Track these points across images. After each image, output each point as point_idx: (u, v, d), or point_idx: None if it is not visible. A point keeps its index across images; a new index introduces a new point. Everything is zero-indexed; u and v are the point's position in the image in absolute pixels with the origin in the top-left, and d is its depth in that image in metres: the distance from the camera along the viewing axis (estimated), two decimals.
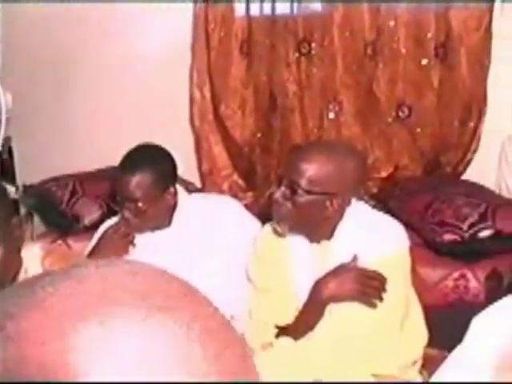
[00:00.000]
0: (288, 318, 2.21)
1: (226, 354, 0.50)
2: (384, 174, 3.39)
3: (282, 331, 2.22)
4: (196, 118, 3.55)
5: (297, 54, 3.39)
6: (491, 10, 3.22)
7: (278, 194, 2.14)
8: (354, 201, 2.20)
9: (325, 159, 2.10)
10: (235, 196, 3.31)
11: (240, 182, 3.58)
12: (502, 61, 3.26)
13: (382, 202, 3.18)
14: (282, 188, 2.13)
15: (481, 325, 1.71)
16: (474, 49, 3.24)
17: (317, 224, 2.17)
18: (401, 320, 2.18)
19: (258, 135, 3.51)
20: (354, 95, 3.36)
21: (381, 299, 2.10)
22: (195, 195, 2.76)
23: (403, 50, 3.29)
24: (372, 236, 2.14)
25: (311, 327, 2.14)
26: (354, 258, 2.13)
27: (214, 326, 0.51)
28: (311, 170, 2.09)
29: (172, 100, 3.60)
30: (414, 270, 2.72)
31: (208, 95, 3.52)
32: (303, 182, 2.09)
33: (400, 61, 3.30)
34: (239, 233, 2.52)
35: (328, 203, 2.11)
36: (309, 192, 2.09)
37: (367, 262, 2.12)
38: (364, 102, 3.36)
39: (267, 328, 2.24)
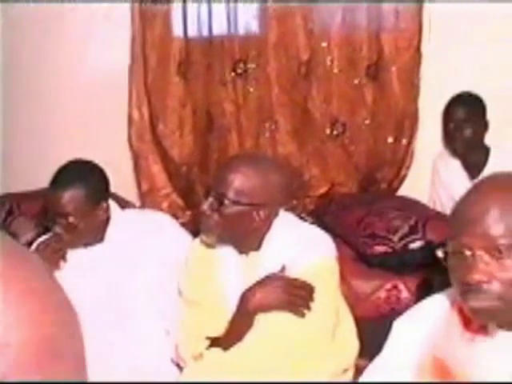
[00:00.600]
0: (219, 330, 2.22)
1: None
2: (321, 191, 3.44)
3: (213, 343, 2.23)
4: (134, 137, 3.57)
5: (233, 74, 3.44)
6: (420, 31, 3.32)
7: (205, 206, 2.16)
8: (281, 212, 2.23)
9: (251, 171, 2.13)
10: (174, 215, 3.32)
11: (179, 201, 3.60)
12: (431, 79, 3.36)
13: (319, 218, 3.23)
14: (210, 199, 2.15)
15: (401, 326, 1.75)
16: (404, 68, 3.34)
17: (244, 235, 2.19)
18: (331, 329, 2.20)
19: (196, 154, 3.54)
20: (289, 114, 3.42)
21: (308, 308, 2.13)
22: (128, 211, 2.77)
23: (336, 70, 3.36)
24: (299, 246, 2.17)
25: (240, 338, 2.15)
26: (282, 269, 2.16)
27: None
28: (237, 181, 2.12)
29: (110, 120, 3.61)
30: (346, 283, 2.77)
31: (146, 115, 3.54)
32: (230, 193, 2.11)
33: (333, 80, 3.37)
34: (172, 247, 2.53)
35: (255, 214, 2.14)
36: (235, 203, 2.12)
37: (295, 272, 2.15)
38: (299, 121, 3.42)
39: (198, 340, 2.25)
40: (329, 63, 3.35)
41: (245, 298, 2.14)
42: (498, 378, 1.51)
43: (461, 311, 1.58)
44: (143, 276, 2.51)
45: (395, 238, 2.79)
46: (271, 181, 2.15)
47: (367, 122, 3.37)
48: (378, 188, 3.41)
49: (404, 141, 3.37)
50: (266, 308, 2.13)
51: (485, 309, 1.44)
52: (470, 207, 1.47)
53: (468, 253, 1.44)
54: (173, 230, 2.61)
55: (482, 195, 1.49)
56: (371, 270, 2.82)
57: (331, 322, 2.20)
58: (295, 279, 2.13)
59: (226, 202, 2.12)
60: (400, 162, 3.38)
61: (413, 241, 2.78)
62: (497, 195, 1.46)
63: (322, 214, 3.21)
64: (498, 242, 1.42)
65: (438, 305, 1.69)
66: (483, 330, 1.55)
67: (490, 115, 3.21)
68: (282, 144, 3.44)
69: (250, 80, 3.43)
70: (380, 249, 2.79)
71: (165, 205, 3.58)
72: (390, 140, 3.37)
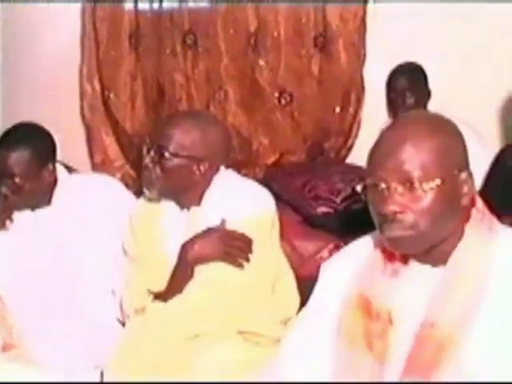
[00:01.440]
0: (161, 284, 2.28)
1: None
2: (270, 160, 3.52)
3: (156, 296, 2.29)
4: (86, 109, 3.62)
5: (183, 46, 3.50)
6: (366, 2, 3.41)
7: (147, 160, 2.22)
8: (222, 168, 2.29)
9: (191, 125, 2.20)
10: (126, 185, 3.37)
11: (132, 172, 3.65)
12: (377, 50, 3.45)
13: (267, 185, 3.29)
14: (151, 153, 2.21)
15: (328, 268, 1.82)
16: (350, 39, 3.43)
17: (185, 189, 2.25)
18: (270, 281, 2.27)
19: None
20: (238, 84, 3.50)
21: (247, 259, 2.19)
22: (75, 175, 2.81)
23: (284, 41, 3.43)
24: (239, 201, 2.23)
25: (181, 289, 2.21)
26: (222, 222, 2.22)
27: None
28: (178, 134, 2.18)
29: (62, 93, 3.65)
30: (291, 245, 2.85)
31: (98, 87, 3.59)
32: (170, 146, 2.18)
33: (281, 50, 3.45)
34: (117, 208, 2.57)
35: (195, 168, 2.20)
36: (176, 156, 2.18)
37: (234, 226, 2.21)
38: (248, 91, 3.50)
39: (141, 294, 2.30)
40: (276, 34, 3.42)
41: (184, 249, 2.20)
42: (416, 311, 1.58)
43: (384, 247, 1.65)
44: (89, 237, 2.55)
45: (338, 200, 2.87)
46: (210, 136, 2.21)
47: (314, 92, 3.45)
48: (327, 157, 3.49)
49: (351, 110, 3.45)
50: (204, 259, 2.19)
51: (399, 238, 1.51)
52: (385, 143, 1.55)
53: (383, 185, 1.51)
54: (118, 192, 2.66)
55: (396, 131, 1.56)
56: (315, 232, 2.90)
57: (270, 274, 2.27)
58: (233, 231, 2.20)
59: (167, 154, 2.18)
60: (347, 131, 3.47)
61: (355, 202, 2.85)
62: (411, 131, 1.53)
63: (270, 181, 3.27)
64: (411, 174, 1.49)
65: (363, 245, 1.76)
66: (404, 263, 1.62)
67: (433, 84, 3.30)
68: (232, 114, 3.51)
69: (200, 51, 3.49)
70: (323, 210, 2.87)
71: (118, 176, 3.61)
72: (337, 110, 3.46)
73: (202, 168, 2.21)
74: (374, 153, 1.57)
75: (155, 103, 3.58)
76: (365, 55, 3.43)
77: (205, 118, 2.33)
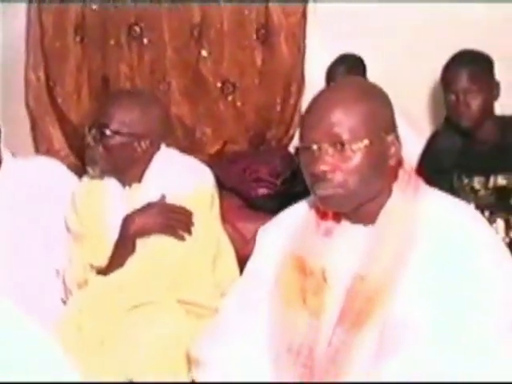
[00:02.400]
0: (104, 259, 2.33)
1: None
2: (213, 150, 3.59)
3: (99, 271, 2.34)
4: (31, 100, 3.65)
5: (128, 37, 3.57)
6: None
7: (89, 138, 2.27)
8: (163, 146, 2.36)
9: (131, 103, 2.27)
10: None
11: (76, 162, 3.69)
12: (317, 43, 3.56)
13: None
14: (93, 131, 2.27)
15: (263, 232, 1.91)
16: (291, 32, 3.53)
17: (127, 166, 2.31)
18: (211, 255, 2.34)
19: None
20: (181, 75, 3.57)
21: (188, 232, 2.26)
22: (19, 158, 2.84)
23: (227, 32, 3.52)
24: (179, 176, 2.31)
25: (122, 263, 2.26)
26: (162, 197, 2.28)
27: None
28: (118, 112, 2.25)
29: (7, 82, 3.67)
30: (233, 227, 2.93)
31: (43, 78, 3.63)
32: (111, 124, 2.24)
33: (224, 42, 3.53)
34: (61, 189, 2.61)
35: (136, 145, 2.27)
36: (117, 133, 2.24)
37: (174, 201, 2.28)
38: (191, 81, 3.57)
39: (84, 269, 2.35)
40: (219, 26, 3.50)
41: (124, 223, 2.26)
42: (348, 268, 1.67)
43: (317, 208, 1.74)
44: (34, 218, 2.58)
45: (278, 182, 2.96)
46: (151, 113, 2.28)
47: (257, 82, 3.54)
48: (269, 146, 3.58)
49: (292, 101, 3.55)
50: (144, 232, 2.25)
51: (330, 196, 1.60)
52: (316, 108, 1.64)
53: (315, 147, 1.60)
54: (61, 172, 2.70)
55: (327, 97, 1.66)
56: (256, 213, 2.98)
57: (211, 247, 2.33)
58: (173, 204, 2.26)
59: (108, 132, 2.24)
60: (288, 121, 3.56)
61: (295, 185, 2.94)
62: (340, 96, 1.63)
63: (213, 169, 3.35)
64: (340, 136, 1.58)
65: (297, 208, 1.85)
66: (336, 223, 1.71)
67: (372, 74, 3.42)
68: (176, 104, 3.58)
69: (145, 43, 3.56)
70: (263, 191, 2.97)
71: None
72: (279, 100, 3.56)
73: (143, 145, 2.27)
74: (306, 117, 1.66)
75: (100, 94, 3.63)
76: (305, 47, 3.54)
77: (145, 96, 2.40)
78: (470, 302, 1.51)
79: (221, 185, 2.77)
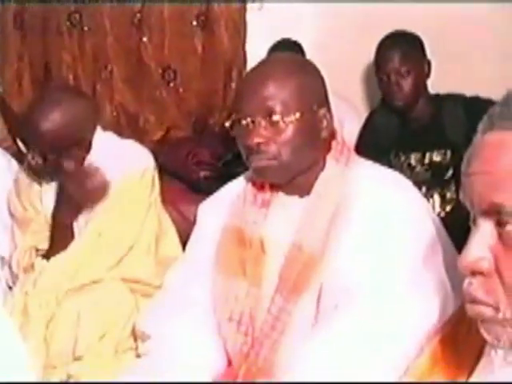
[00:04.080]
0: (47, 243, 2.35)
1: None
2: (157, 136, 3.63)
3: (43, 255, 2.36)
4: None
5: (69, 25, 3.57)
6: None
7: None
8: (99, 130, 2.38)
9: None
10: None
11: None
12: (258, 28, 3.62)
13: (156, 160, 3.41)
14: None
15: (203, 208, 1.97)
16: (231, 17, 3.57)
17: None
18: (154, 232, 2.38)
19: None
20: (123, 62, 3.59)
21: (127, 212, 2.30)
22: None
23: (167, 19, 3.55)
24: (120, 159, 2.33)
25: (64, 247, 2.29)
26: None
27: None
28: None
29: None
30: (177, 210, 2.97)
31: None
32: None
33: (165, 29, 3.56)
34: (5, 178, 2.62)
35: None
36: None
37: (115, 183, 2.30)
38: (133, 69, 3.59)
39: (29, 253, 2.37)
40: (159, 13, 3.53)
41: (56, 208, 2.29)
42: (285, 238, 1.73)
43: (254, 181, 1.79)
44: None
45: (219, 164, 3.01)
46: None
47: (198, 68, 3.58)
48: (212, 131, 3.62)
49: (233, 86, 3.60)
50: (73, 215, 2.28)
51: (264, 167, 1.66)
52: (250, 82, 1.70)
53: (249, 120, 1.65)
54: (3, 160, 2.71)
55: (260, 71, 1.72)
56: (199, 196, 3.01)
57: (153, 227, 2.38)
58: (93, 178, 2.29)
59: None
60: (230, 106, 3.60)
61: (236, 166, 2.99)
62: (272, 71, 1.69)
63: (156, 155, 3.39)
64: (273, 109, 1.64)
65: (235, 183, 1.91)
66: (273, 195, 1.77)
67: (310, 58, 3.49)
68: (118, 92, 3.60)
69: (85, 30, 3.57)
70: (205, 174, 3.02)
71: None
72: (220, 86, 3.60)
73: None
74: (240, 91, 1.72)
75: (42, 83, 3.62)
76: (246, 33, 3.59)
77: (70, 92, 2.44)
78: (388, 262, 1.58)
79: (164, 170, 2.80)
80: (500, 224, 0.87)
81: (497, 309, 0.87)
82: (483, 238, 0.88)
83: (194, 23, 3.58)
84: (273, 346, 1.71)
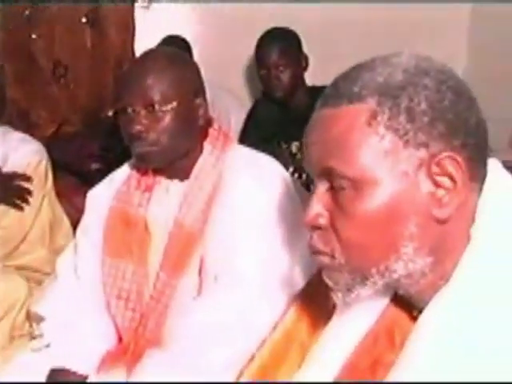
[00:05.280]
0: None
1: None
2: (49, 132, 3.69)
3: None
4: None
5: None
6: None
7: None
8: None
9: None
10: None
11: None
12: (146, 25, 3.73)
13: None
14: None
15: (90, 195, 2.08)
16: (120, 14, 3.67)
17: None
18: (48, 221, 2.48)
19: None
20: (14, 58, 3.63)
21: (26, 202, 2.39)
22: None
23: (57, 15, 3.62)
24: (15, 150, 2.42)
25: None
26: None
27: None
28: None
29: None
30: (71, 203, 3.06)
31: None
32: None
33: (55, 25, 3.62)
34: None
35: None
36: None
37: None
38: (24, 64, 3.64)
39: None
40: (49, 8, 3.60)
41: None
42: (168, 219, 1.86)
43: (139, 168, 1.92)
44: None
45: (111, 156, 3.12)
46: None
47: (88, 64, 3.67)
48: (104, 126, 3.71)
49: None
50: None
51: (145, 153, 1.79)
52: (130, 74, 1.82)
53: (130, 109, 1.78)
54: None
55: (140, 64, 1.84)
56: (91, 187, 3.11)
57: (47, 216, 2.47)
58: (10, 175, 2.38)
59: None
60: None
61: (127, 158, 3.10)
62: (152, 63, 1.81)
63: (49, 150, 3.45)
64: (152, 99, 1.77)
65: (121, 169, 2.03)
66: (156, 179, 1.90)
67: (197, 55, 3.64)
68: (10, 88, 3.62)
69: None
70: (96, 166, 3.12)
71: None
72: (110, 81, 3.69)
73: None
74: (122, 82, 1.84)
75: None
76: (135, 29, 3.69)
77: None
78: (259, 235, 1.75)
79: (57, 164, 2.89)
80: (333, 185, 1.02)
81: (333, 256, 1.03)
82: (320, 197, 1.04)
83: (84, 20, 3.66)
84: (159, 319, 1.83)
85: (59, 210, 2.62)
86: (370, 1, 3.70)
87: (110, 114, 1.85)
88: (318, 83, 3.18)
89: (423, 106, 0.97)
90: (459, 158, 0.97)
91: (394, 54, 1.04)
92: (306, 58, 3.12)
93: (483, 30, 3.82)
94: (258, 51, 3.12)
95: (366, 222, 0.98)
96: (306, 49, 3.14)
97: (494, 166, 1.05)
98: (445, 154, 0.97)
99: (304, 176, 3.05)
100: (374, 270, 1.00)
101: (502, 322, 0.93)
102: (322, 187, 1.04)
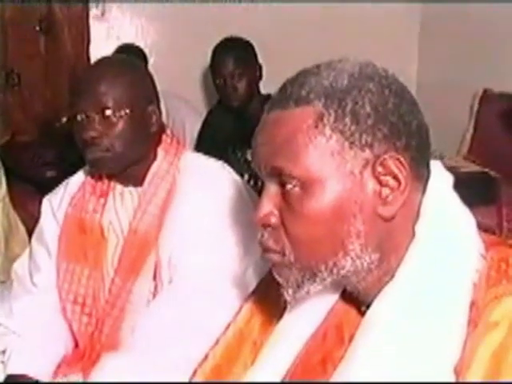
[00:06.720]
0: None
1: None
2: (2, 141, 3.67)
3: None
4: None
5: None
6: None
7: None
8: None
9: None
10: None
11: None
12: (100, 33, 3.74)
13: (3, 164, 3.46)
14: None
15: (44, 202, 2.08)
16: (74, 22, 3.67)
17: None
18: (3, 232, 2.46)
19: None
20: None
21: None
22: None
23: (10, 23, 3.61)
24: None
25: None
26: None
27: None
28: None
29: None
30: (26, 211, 3.05)
31: None
32: None
33: (7, 32, 3.61)
34: None
35: None
36: None
37: None
38: None
39: None
40: (1, 16, 3.58)
41: None
42: (123, 224, 1.88)
43: (94, 174, 1.94)
44: None
45: (65, 164, 3.11)
46: None
47: (42, 72, 3.66)
48: (58, 133, 3.70)
49: None
50: None
51: (98, 158, 1.80)
52: (84, 81, 1.84)
53: (83, 116, 1.79)
54: None
55: (93, 71, 1.87)
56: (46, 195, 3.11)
57: (2, 225, 2.46)
58: None
59: None
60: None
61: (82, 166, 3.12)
62: (105, 70, 1.84)
63: (3, 159, 3.44)
64: (105, 105, 1.79)
65: (77, 176, 2.04)
66: (110, 186, 1.92)
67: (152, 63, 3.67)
68: None
69: None
70: (51, 174, 3.12)
71: None
72: (65, 89, 3.69)
73: None
74: (76, 89, 1.85)
75: None
76: (90, 37, 3.70)
77: None
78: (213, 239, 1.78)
79: (12, 173, 2.88)
80: (282, 184, 1.05)
81: (283, 254, 1.05)
82: (270, 196, 1.06)
83: (37, 28, 3.65)
84: (114, 324, 1.85)
85: (14, 217, 2.61)
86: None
87: (64, 120, 1.85)
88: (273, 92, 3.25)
89: (367, 108, 1.01)
90: (402, 159, 1.01)
91: (339, 60, 1.08)
92: (260, 68, 3.16)
93: (434, 31, 3.93)
94: (214, 61, 3.15)
95: (313, 220, 1.01)
96: (260, 58, 3.19)
97: (436, 166, 1.09)
98: (389, 154, 1.00)
99: (260, 183, 3.08)
100: (322, 267, 1.03)
101: (443, 314, 0.97)
102: (271, 187, 1.07)
